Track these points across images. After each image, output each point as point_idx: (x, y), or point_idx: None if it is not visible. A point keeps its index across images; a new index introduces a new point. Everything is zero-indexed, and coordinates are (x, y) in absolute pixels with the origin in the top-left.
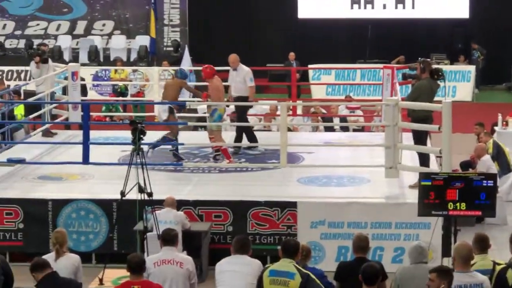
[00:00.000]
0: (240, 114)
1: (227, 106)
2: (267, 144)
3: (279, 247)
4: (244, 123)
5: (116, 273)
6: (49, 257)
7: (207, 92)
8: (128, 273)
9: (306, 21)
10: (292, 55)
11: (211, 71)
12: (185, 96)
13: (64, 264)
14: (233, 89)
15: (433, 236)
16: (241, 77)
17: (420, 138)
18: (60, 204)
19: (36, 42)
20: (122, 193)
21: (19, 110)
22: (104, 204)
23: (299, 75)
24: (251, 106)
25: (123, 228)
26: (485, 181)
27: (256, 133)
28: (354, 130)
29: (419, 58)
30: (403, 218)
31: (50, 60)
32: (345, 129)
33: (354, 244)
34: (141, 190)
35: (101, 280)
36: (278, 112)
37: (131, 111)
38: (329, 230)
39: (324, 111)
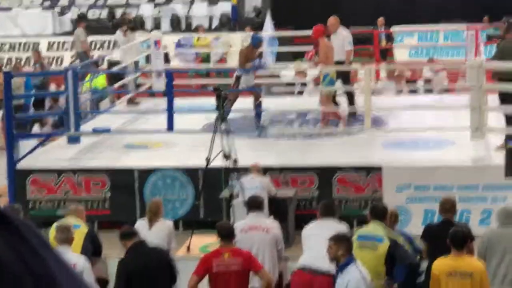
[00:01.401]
0: (343, 78)
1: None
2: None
3: (367, 211)
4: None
5: (203, 240)
6: (143, 224)
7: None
8: (215, 240)
9: None
10: (380, 20)
11: (321, 28)
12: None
13: (156, 231)
14: (335, 54)
15: None
16: (340, 40)
17: (505, 99)
18: (146, 172)
19: (118, 11)
20: (208, 160)
21: (101, 81)
22: (189, 172)
23: (386, 39)
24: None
25: (209, 196)
26: None
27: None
28: (439, 93)
29: (504, 18)
30: (490, 180)
31: (136, 29)
32: (429, 91)
33: (441, 206)
34: (226, 157)
35: (188, 248)
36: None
37: (215, 78)
38: (415, 194)
39: (408, 74)
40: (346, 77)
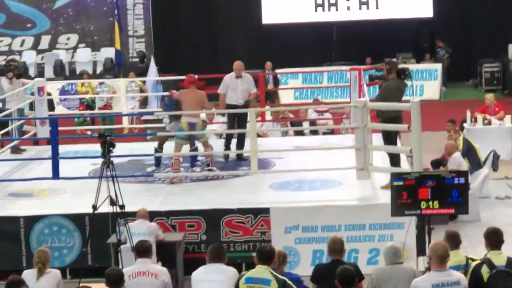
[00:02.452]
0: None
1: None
2: (237, 151)
3: (254, 254)
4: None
5: None
6: (30, 274)
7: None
8: (103, 287)
9: (271, 26)
10: (268, 64)
11: (188, 79)
12: (152, 106)
13: (46, 281)
14: (237, 97)
15: (407, 236)
16: (248, 84)
17: (390, 138)
18: (32, 220)
19: (0, 58)
20: (94, 207)
21: None
22: (76, 219)
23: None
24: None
25: (96, 242)
26: (456, 179)
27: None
28: (324, 134)
29: (385, 59)
30: (377, 219)
31: (22, 76)
32: (314, 132)
33: (329, 246)
34: (112, 203)
35: None
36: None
37: (99, 124)
38: (303, 235)
39: (292, 116)
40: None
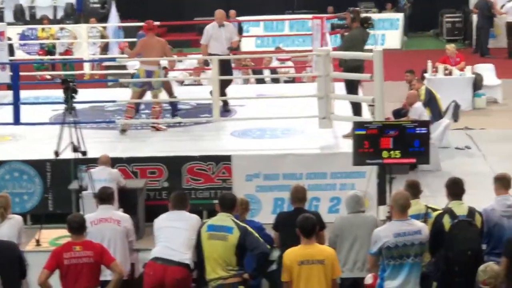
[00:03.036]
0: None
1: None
2: (199, 98)
3: (215, 202)
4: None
5: (53, 234)
6: None
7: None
8: (65, 233)
9: None
10: (232, 12)
11: (146, 25)
12: (113, 52)
13: (7, 226)
14: (221, 46)
15: (368, 185)
16: (230, 33)
17: (352, 87)
18: None
19: None
20: (56, 153)
21: None
22: (37, 165)
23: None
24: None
25: (57, 188)
26: (418, 129)
27: (186, 87)
28: (285, 82)
29: (349, 8)
30: (338, 168)
31: None
32: (276, 81)
33: (292, 195)
34: (75, 149)
35: (37, 241)
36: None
37: (60, 70)
38: (264, 183)
39: (253, 64)
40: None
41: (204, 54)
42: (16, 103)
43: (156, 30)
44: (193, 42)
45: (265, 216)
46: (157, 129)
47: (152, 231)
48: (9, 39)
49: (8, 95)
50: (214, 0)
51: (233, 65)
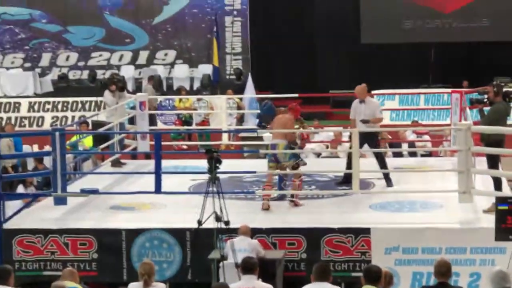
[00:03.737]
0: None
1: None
2: (337, 170)
3: (353, 274)
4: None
5: None
6: (136, 286)
7: None
8: None
9: (369, 46)
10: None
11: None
12: (249, 123)
13: None
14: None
15: (510, 262)
16: (371, 110)
17: (494, 162)
18: (133, 233)
19: (99, 72)
20: (200, 222)
21: (88, 142)
22: (177, 233)
23: None
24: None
25: (197, 257)
26: None
27: (323, 159)
28: (422, 156)
29: (492, 82)
30: (478, 243)
31: (125, 90)
32: (412, 154)
33: (436, 269)
34: (218, 218)
35: None
36: (343, 138)
37: (196, 140)
38: (403, 256)
39: (390, 137)
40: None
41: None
42: (158, 172)
43: (294, 113)
44: (328, 115)
45: None
46: (295, 204)
47: None
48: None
49: (147, 164)
50: (347, 73)
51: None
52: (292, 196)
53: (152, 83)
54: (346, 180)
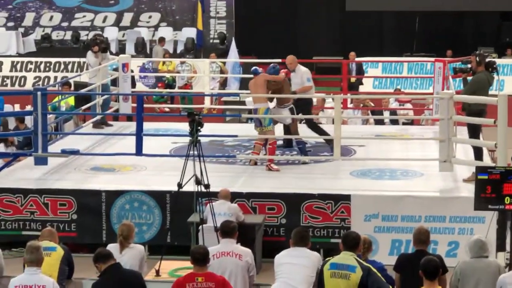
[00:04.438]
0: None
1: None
2: (318, 136)
3: (332, 240)
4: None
5: (171, 265)
6: (113, 248)
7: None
8: (183, 265)
9: (354, 13)
10: (352, 54)
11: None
12: (232, 87)
13: (129, 255)
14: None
15: (488, 231)
16: (298, 78)
17: (475, 131)
18: (113, 195)
19: (82, 33)
20: (180, 185)
21: (70, 101)
22: (157, 196)
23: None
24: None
25: (177, 220)
26: None
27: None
28: (404, 124)
29: (475, 52)
30: (458, 212)
31: (108, 51)
32: (394, 122)
33: (415, 236)
34: (198, 182)
35: (157, 271)
36: (326, 105)
37: (178, 103)
38: (382, 223)
39: (373, 104)
40: (307, 110)
41: None
42: (139, 134)
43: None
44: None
45: (383, 257)
46: (269, 169)
47: (269, 266)
48: (131, 71)
49: (129, 126)
50: (332, 39)
51: (351, 105)
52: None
53: (163, 44)
54: (287, 144)
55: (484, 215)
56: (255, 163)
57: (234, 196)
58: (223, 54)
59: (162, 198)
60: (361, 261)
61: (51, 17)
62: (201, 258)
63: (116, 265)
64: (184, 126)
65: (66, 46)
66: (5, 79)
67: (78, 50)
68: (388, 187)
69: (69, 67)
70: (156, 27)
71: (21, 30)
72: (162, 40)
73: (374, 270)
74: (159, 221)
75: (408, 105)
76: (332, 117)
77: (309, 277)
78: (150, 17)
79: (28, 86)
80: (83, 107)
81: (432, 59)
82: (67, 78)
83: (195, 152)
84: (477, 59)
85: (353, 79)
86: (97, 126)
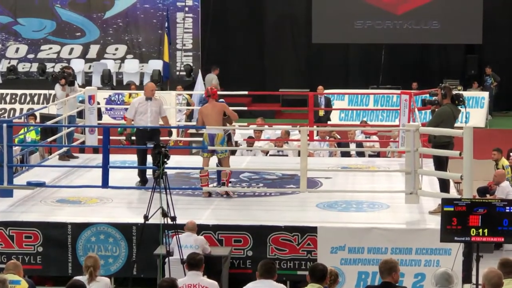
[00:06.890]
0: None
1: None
2: (284, 169)
3: (299, 272)
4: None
5: None
6: (81, 280)
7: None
8: None
9: (320, 46)
10: (320, 87)
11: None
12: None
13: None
14: (145, 120)
15: (454, 263)
16: (157, 107)
17: (440, 163)
18: (79, 227)
19: (49, 65)
20: (146, 217)
21: (32, 134)
22: (124, 228)
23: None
24: None
25: (142, 252)
26: (508, 207)
27: (270, 157)
28: (370, 156)
29: (440, 84)
30: (424, 244)
31: (76, 83)
32: (360, 154)
33: (382, 268)
34: (164, 214)
35: None
36: (291, 137)
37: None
38: (349, 256)
39: (339, 136)
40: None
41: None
42: (106, 166)
43: (216, 96)
44: (277, 113)
45: None
46: (228, 194)
47: None
48: (97, 103)
49: (95, 158)
50: (297, 72)
51: (317, 137)
52: (224, 183)
53: (217, 72)
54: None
55: (450, 247)
56: (209, 195)
57: (200, 228)
58: (190, 86)
59: (128, 231)
60: None
61: (17, 49)
62: None
63: None
64: (151, 158)
65: (32, 78)
66: None
67: (44, 82)
68: (355, 219)
69: (35, 99)
70: (122, 59)
71: None
72: (216, 68)
73: None
74: (125, 254)
75: (374, 137)
76: (298, 149)
77: None
78: (116, 49)
79: None
80: (49, 139)
81: (398, 91)
82: (33, 110)
83: (162, 185)
84: (442, 91)
85: (321, 113)
86: (63, 158)
